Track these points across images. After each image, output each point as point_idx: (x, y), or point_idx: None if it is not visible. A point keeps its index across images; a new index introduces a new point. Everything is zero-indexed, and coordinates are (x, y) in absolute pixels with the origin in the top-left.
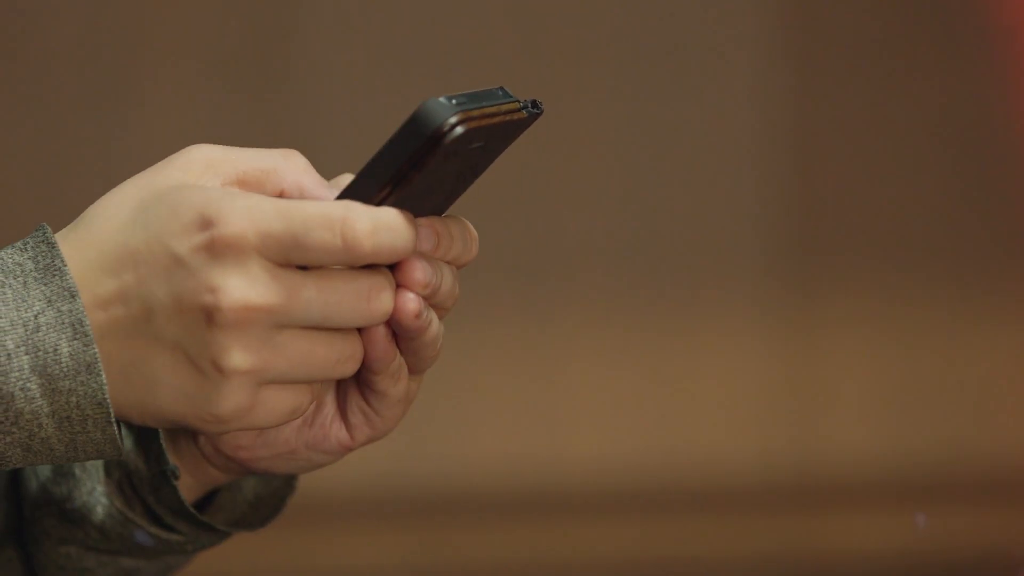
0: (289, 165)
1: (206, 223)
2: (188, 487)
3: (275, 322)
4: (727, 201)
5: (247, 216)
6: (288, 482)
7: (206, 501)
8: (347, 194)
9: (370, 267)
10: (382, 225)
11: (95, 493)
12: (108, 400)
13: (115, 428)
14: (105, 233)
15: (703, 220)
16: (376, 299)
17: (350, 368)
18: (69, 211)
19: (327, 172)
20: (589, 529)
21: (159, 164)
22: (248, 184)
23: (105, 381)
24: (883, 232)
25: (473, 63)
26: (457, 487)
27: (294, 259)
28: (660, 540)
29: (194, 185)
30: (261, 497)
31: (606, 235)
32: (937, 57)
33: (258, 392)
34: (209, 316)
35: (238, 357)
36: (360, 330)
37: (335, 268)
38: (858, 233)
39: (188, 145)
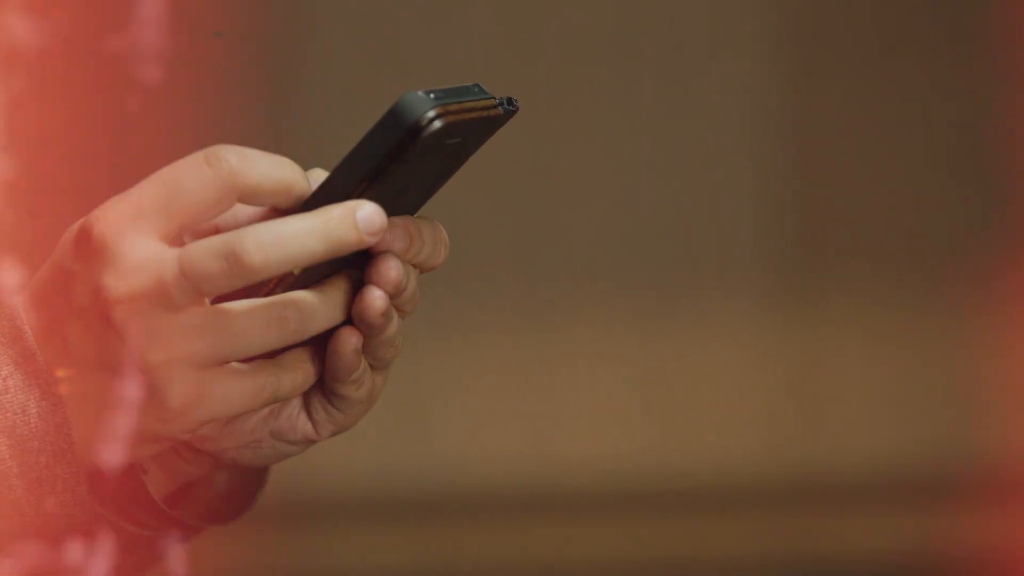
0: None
1: (85, 231)
2: (159, 482)
3: (166, 304)
4: (726, 201)
5: (116, 207)
6: (259, 475)
7: (178, 495)
8: (323, 189)
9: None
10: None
11: None
12: (78, 459)
13: (84, 488)
14: (34, 282)
15: (702, 218)
16: (234, 259)
17: (291, 329)
18: (64, 212)
19: (324, 167)
20: (589, 529)
21: None
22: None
23: (75, 440)
24: (883, 232)
25: (472, 65)
26: (457, 487)
27: (174, 218)
28: (660, 540)
29: None
30: (232, 491)
31: (605, 235)
32: (938, 57)
33: (201, 376)
34: (106, 319)
35: (151, 351)
36: (326, 343)
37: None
38: (858, 233)
39: (185, 148)
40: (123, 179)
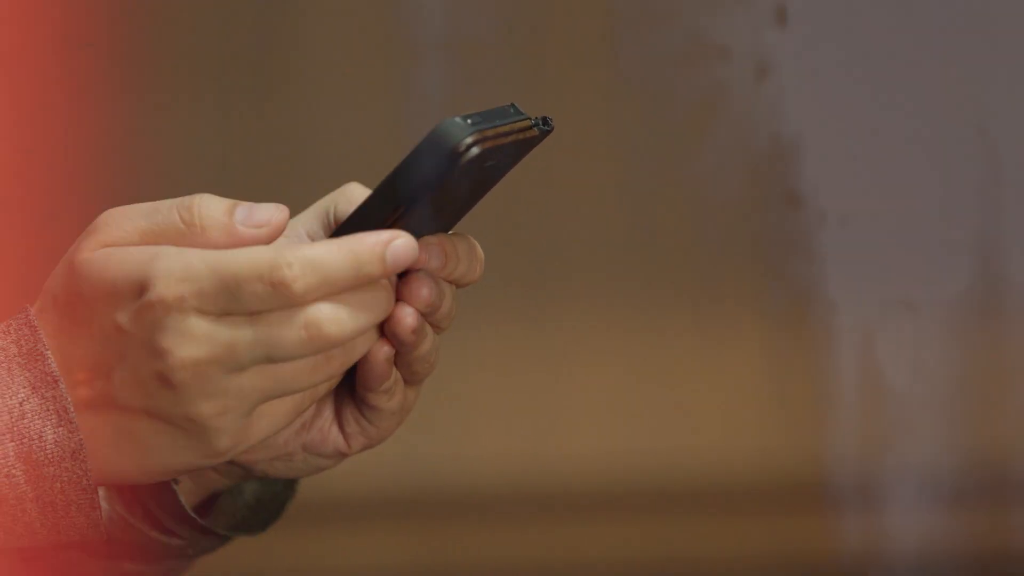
0: (190, 228)
1: (141, 288)
2: (188, 491)
3: (224, 369)
4: (725, 201)
5: (178, 276)
6: (288, 486)
7: (207, 505)
8: (360, 213)
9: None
10: (309, 266)
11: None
12: (93, 486)
13: (99, 513)
14: (57, 316)
15: (701, 220)
16: (314, 328)
17: (335, 367)
18: (67, 216)
19: (328, 179)
20: (589, 529)
21: (80, 237)
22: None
23: (90, 468)
24: (883, 231)
25: (472, 67)
26: (457, 487)
27: (232, 310)
28: (660, 540)
29: (122, 249)
30: (261, 501)
31: (604, 237)
32: (936, 56)
33: (247, 419)
34: (163, 379)
35: (205, 407)
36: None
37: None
38: (857, 233)
39: (188, 149)
40: (122, 179)
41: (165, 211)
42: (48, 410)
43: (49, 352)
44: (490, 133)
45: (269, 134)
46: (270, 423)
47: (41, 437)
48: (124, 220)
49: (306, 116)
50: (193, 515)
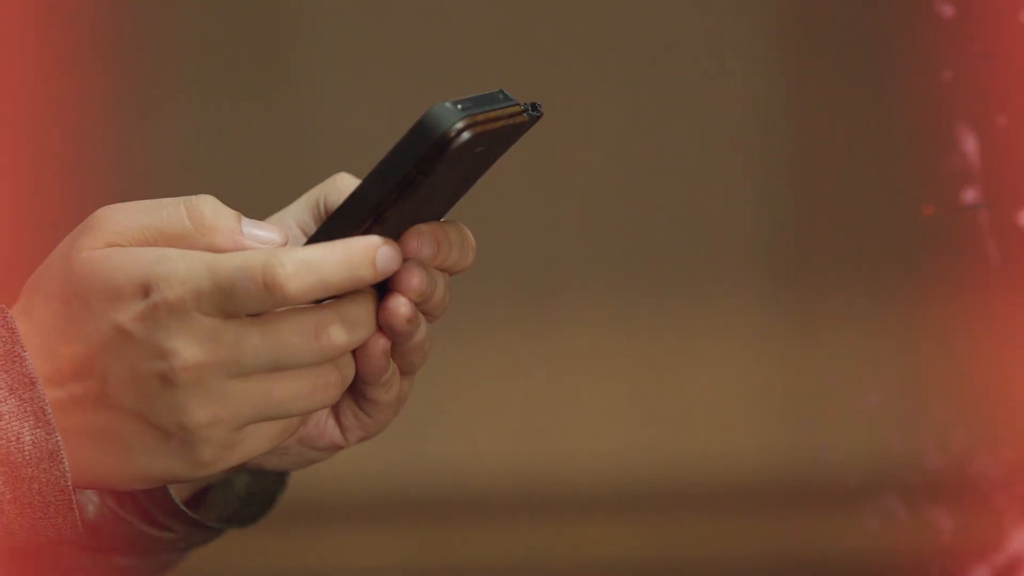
0: (198, 228)
1: (145, 290)
2: (180, 485)
3: (228, 373)
4: (723, 201)
5: (181, 278)
6: (279, 478)
7: (198, 498)
8: (352, 201)
9: (335, 299)
10: (303, 266)
11: (87, 492)
12: (71, 487)
13: (76, 514)
14: (50, 314)
15: (699, 220)
16: (324, 335)
17: (331, 395)
18: (66, 216)
19: (326, 174)
20: (589, 529)
21: (75, 233)
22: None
23: (68, 468)
24: (881, 232)
25: (471, 66)
26: (457, 487)
27: (231, 311)
28: (660, 540)
29: (124, 250)
30: (252, 494)
31: (603, 237)
32: (936, 56)
33: (235, 435)
34: (165, 380)
35: (200, 413)
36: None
37: (281, 311)
38: (856, 233)
39: (187, 152)
40: (116, 178)
41: (170, 208)
42: (26, 411)
43: (27, 353)
44: (480, 118)
45: (267, 132)
46: (254, 445)
47: (19, 439)
48: (124, 216)
49: (304, 114)
50: (184, 508)
